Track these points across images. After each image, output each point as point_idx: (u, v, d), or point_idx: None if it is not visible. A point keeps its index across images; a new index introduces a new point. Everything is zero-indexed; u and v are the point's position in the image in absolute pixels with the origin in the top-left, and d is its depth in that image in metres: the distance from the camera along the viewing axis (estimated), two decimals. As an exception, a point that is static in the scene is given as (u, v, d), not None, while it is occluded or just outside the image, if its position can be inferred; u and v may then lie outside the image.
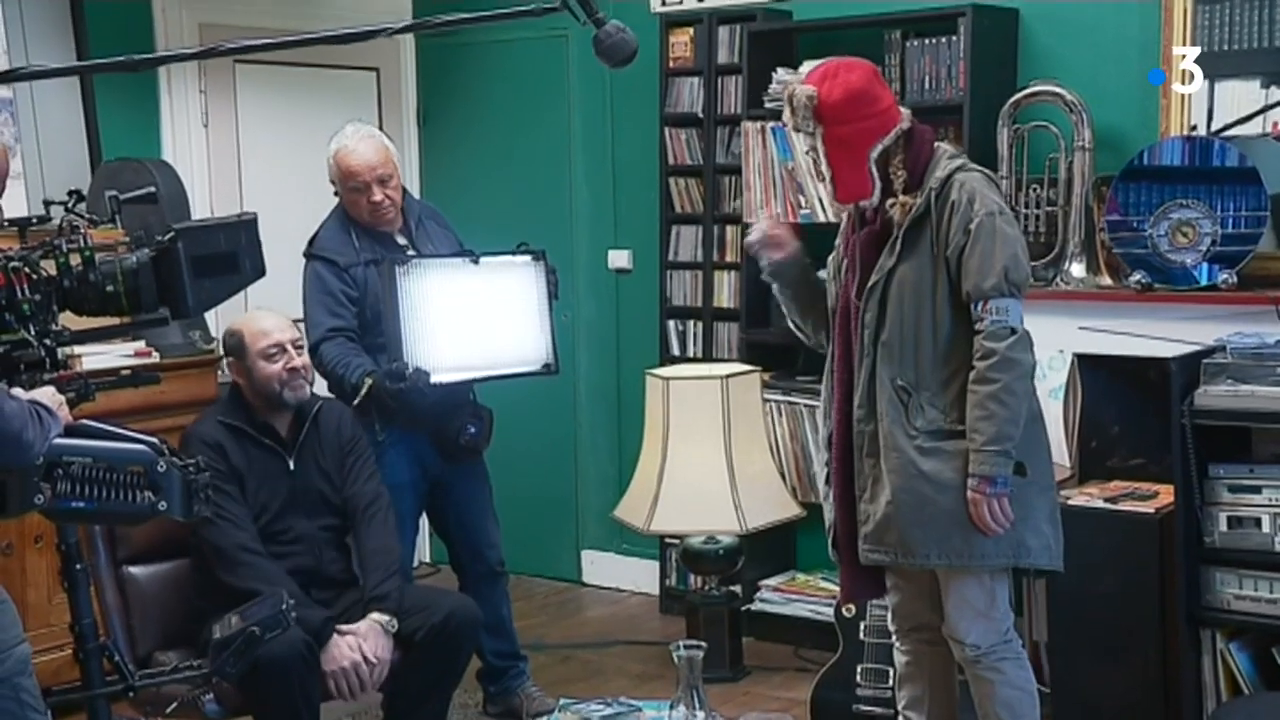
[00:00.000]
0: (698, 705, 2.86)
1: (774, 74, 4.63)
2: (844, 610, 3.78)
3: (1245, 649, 3.44)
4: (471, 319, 3.83)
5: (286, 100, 5.36)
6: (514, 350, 3.88)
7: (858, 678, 3.70)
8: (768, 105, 4.63)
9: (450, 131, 5.72)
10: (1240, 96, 3.98)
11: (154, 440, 2.53)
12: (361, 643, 3.30)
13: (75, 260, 2.55)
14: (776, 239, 3.23)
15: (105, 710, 2.68)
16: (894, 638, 3.28)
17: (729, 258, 4.90)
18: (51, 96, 4.63)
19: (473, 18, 2.13)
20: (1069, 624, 3.59)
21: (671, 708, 2.90)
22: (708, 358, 4.91)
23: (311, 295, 3.80)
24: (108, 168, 4.61)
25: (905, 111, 3.04)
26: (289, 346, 3.45)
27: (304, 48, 2.08)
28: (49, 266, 2.54)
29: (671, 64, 4.97)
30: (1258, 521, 3.38)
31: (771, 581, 4.75)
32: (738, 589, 4.58)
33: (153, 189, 3.02)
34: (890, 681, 3.65)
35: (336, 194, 3.89)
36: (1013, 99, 4.14)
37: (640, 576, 5.31)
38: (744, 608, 4.64)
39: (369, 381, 3.62)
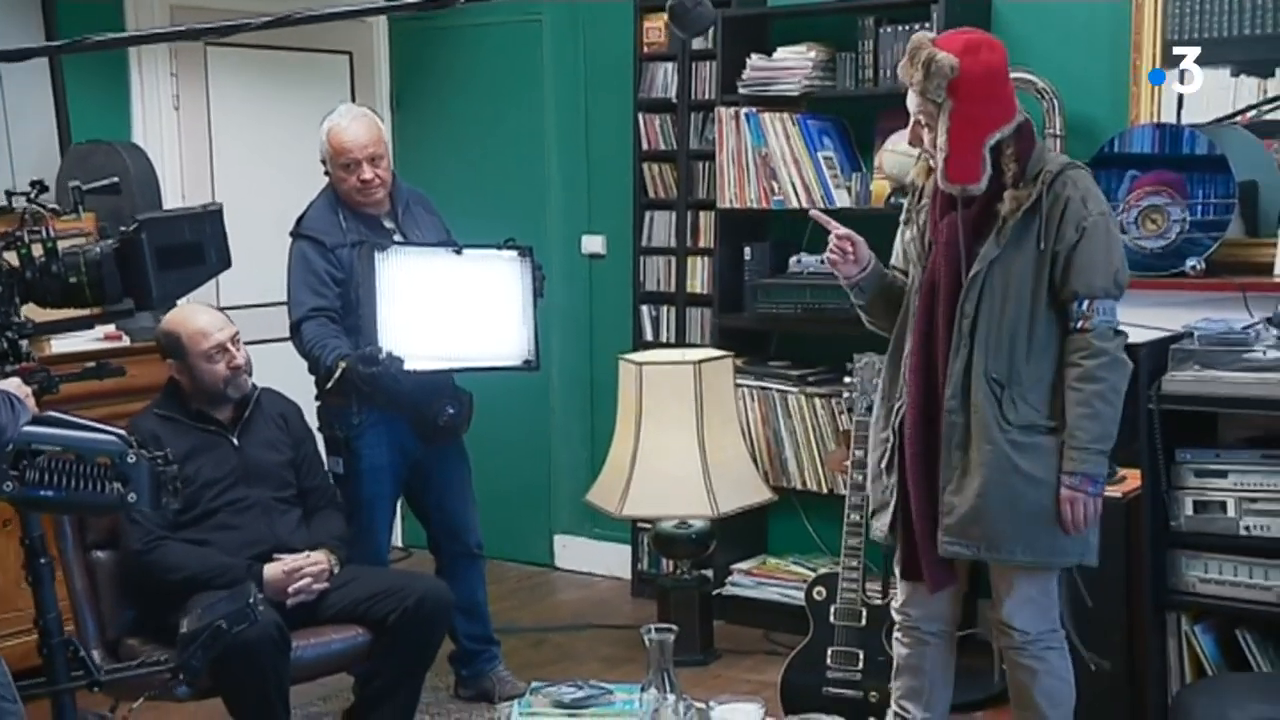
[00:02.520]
0: (669, 688, 2.87)
1: (748, 59, 4.63)
2: (814, 593, 3.79)
3: (1210, 631, 3.48)
4: (450, 309, 3.82)
5: (259, 83, 5.33)
6: (493, 344, 3.87)
7: (828, 660, 3.72)
8: (741, 91, 4.64)
9: (423, 116, 5.70)
10: (1210, 85, 4.01)
11: (122, 432, 2.53)
12: (289, 560, 3.39)
13: (38, 251, 2.53)
14: (848, 254, 3.09)
15: (70, 705, 2.68)
16: (898, 630, 3.25)
17: (702, 243, 4.90)
18: (20, 79, 4.58)
19: None
20: (1037, 607, 3.62)
21: (642, 690, 2.91)
22: (680, 343, 4.92)
23: (296, 274, 3.79)
24: (77, 150, 4.57)
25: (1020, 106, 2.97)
26: (229, 345, 3.47)
27: (286, 34, 2.06)
28: (11, 258, 2.53)
29: (646, 49, 4.97)
30: (1223, 505, 3.41)
31: (743, 565, 4.77)
32: (709, 573, 4.59)
33: (115, 179, 3.00)
34: (859, 665, 3.68)
35: (327, 173, 3.87)
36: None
37: (612, 560, 5.32)
38: (715, 591, 4.65)
39: (342, 365, 3.62)
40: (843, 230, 3.12)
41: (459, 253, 3.83)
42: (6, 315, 2.50)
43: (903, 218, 3.17)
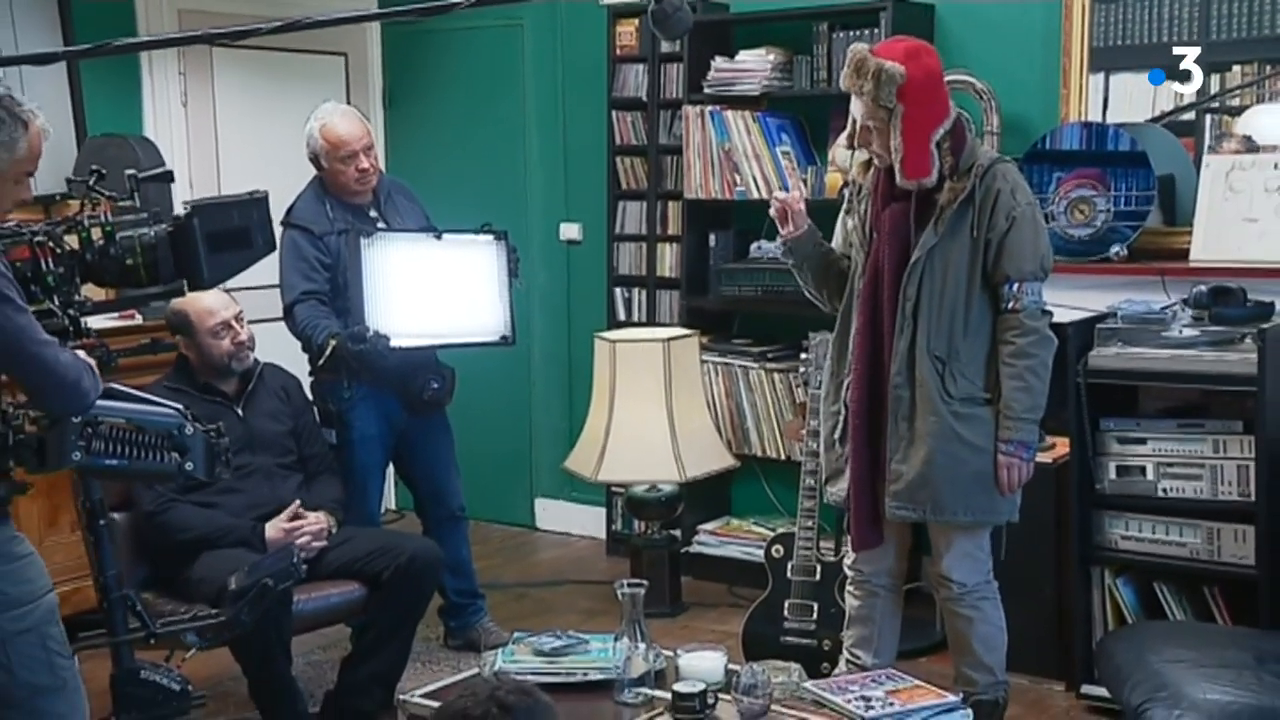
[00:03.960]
0: (640, 638, 2.89)
1: (712, 61, 4.63)
2: (773, 551, 3.81)
3: (1130, 583, 3.53)
4: (432, 290, 3.82)
5: (261, 82, 5.29)
6: (472, 321, 3.87)
7: (785, 612, 3.74)
8: (706, 90, 4.63)
9: (414, 113, 5.67)
10: (1133, 88, 4.03)
11: (179, 406, 2.53)
12: (286, 521, 3.39)
13: (96, 234, 2.49)
14: (791, 213, 3.14)
15: (129, 654, 2.66)
16: (851, 584, 3.30)
17: (671, 231, 4.90)
18: (39, 76, 4.53)
19: (450, 3, 2.07)
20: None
21: (616, 640, 2.94)
22: (651, 322, 4.92)
23: (287, 260, 3.77)
24: (93, 143, 4.53)
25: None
26: (233, 323, 3.46)
27: (289, 37, 2.05)
28: (72, 241, 2.49)
29: (618, 52, 4.95)
30: (1143, 470, 3.46)
31: (708, 526, 4.79)
32: (677, 533, 4.60)
33: (170, 169, 2.94)
34: (813, 616, 3.70)
35: (322, 167, 3.84)
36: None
37: (588, 522, 5.34)
38: (683, 550, 4.67)
39: (333, 343, 3.62)
40: (781, 195, 3.17)
41: (439, 238, 3.82)
42: (69, 294, 2.45)
43: (844, 208, 3.19)
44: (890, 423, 3.01)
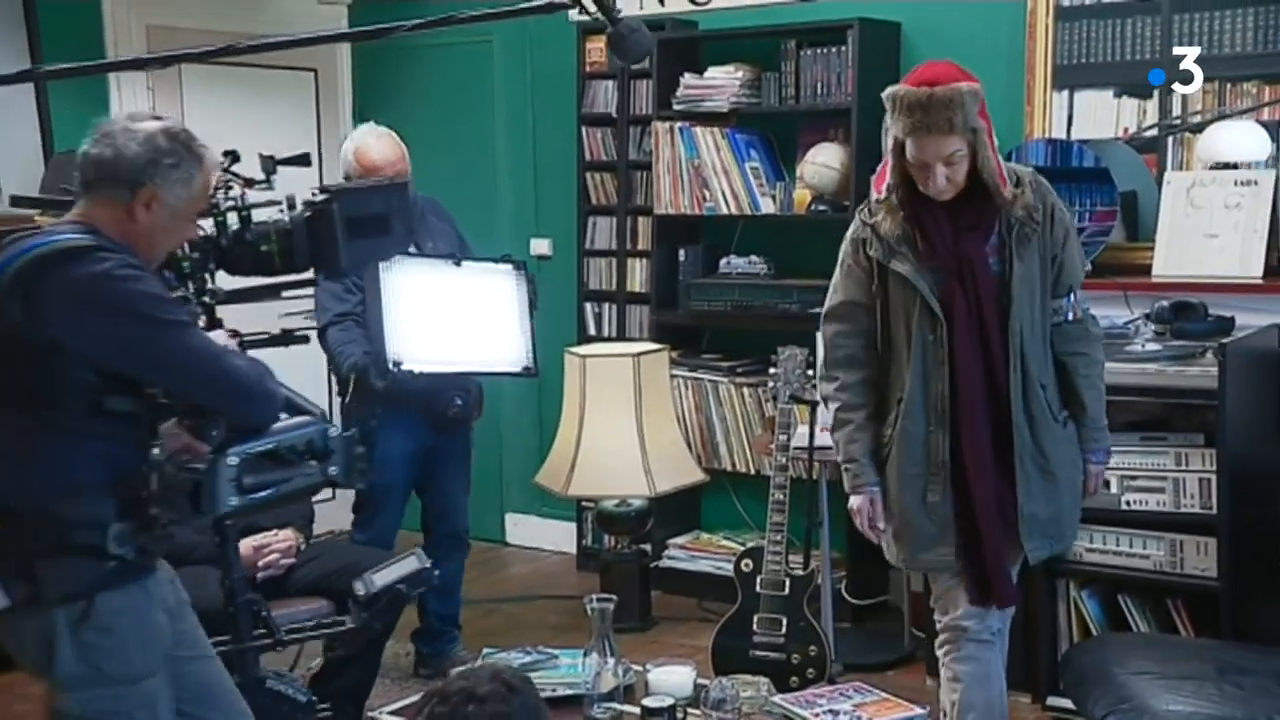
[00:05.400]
0: (609, 653, 2.90)
1: (681, 78, 4.65)
2: (742, 565, 3.82)
3: (1095, 596, 3.55)
4: (452, 316, 3.74)
5: (230, 98, 5.28)
6: (493, 350, 3.77)
7: (754, 626, 3.75)
8: (676, 107, 4.66)
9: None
10: (1096, 105, 4.08)
11: (321, 409, 2.42)
12: (257, 537, 3.35)
13: (233, 219, 2.39)
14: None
15: (255, 662, 2.58)
16: (955, 645, 2.88)
17: (641, 246, 4.92)
18: (6, 92, 4.52)
19: (481, 15, 2.08)
20: (942, 576, 3.68)
21: (585, 655, 2.94)
22: (621, 337, 4.94)
23: (321, 282, 3.73)
24: (60, 159, 4.51)
25: None
26: None
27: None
28: (206, 225, 2.39)
29: (588, 68, 4.98)
30: (1107, 483, 3.47)
31: (678, 540, 4.80)
32: (647, 547, 4.61)
33: (306, 151, 2.80)
34: (782, 630, 3.70)
35: None
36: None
37: (559, 537, 5.33)
38: (653, 564, 4.68)
39: (353, 377, 3.55)
40: (870, 533, 2.92)
41: (458, 264, 3.76)
42: (202, 282, 2.38)
43: (872, 252, 2.83)
44: (1017, 465, 2.76)
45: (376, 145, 3.78)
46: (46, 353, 2.11)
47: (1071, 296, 2.83)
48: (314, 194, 2.44)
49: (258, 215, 2.43)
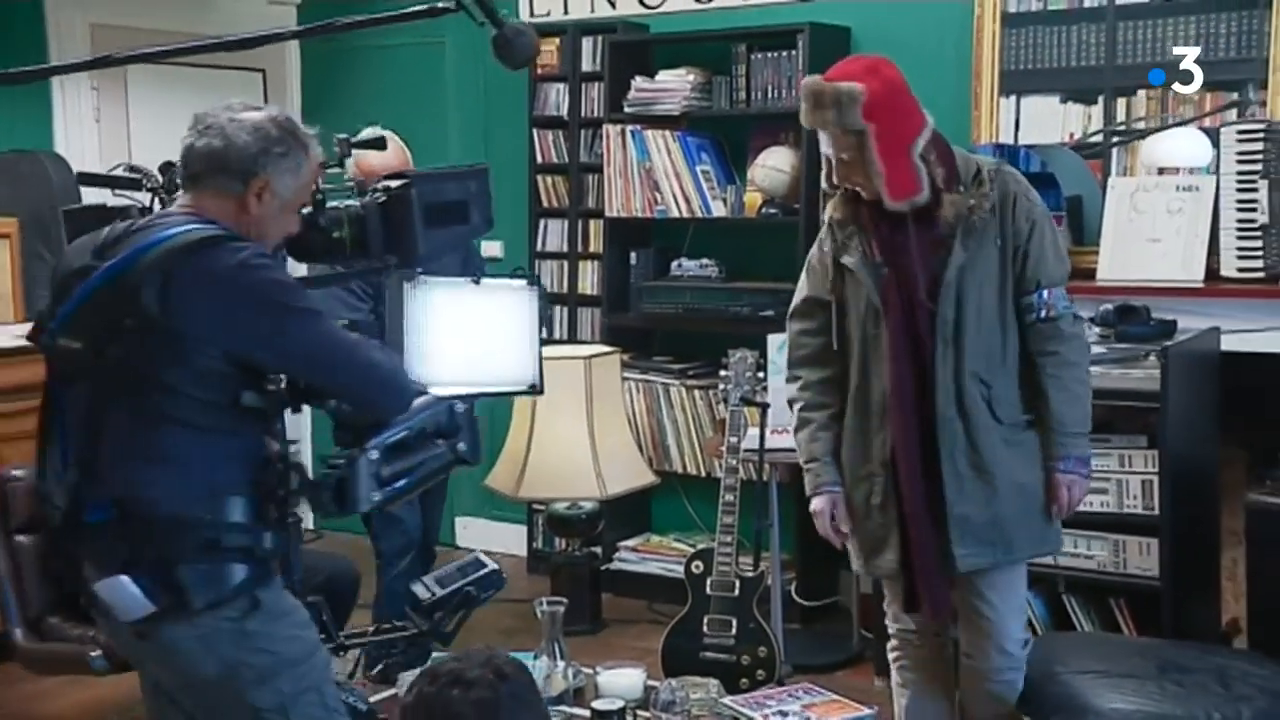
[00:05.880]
0: (559, 656, 2.90)
1: (633, 81, 4.66)
2: (693, 567, 3.83)
3: (1040, 595, 3.59)
4: (468, 337, 3.68)
5: (176, 97, 5.21)
6: (503, 369, 3.71)
7: (704, 628, 3.76)
8: (627, 110, 4.67)
9: (333, 130, 5.58)
10: (1042, 110, 4.14)
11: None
12: None
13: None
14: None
15: None
16: (899, 649, 2.93)
17: (592, 248, 4.92)
18: (-55, 90, 4.45)
19: (369, 20, 2.05)
20: (890, 577, 3.70)
21: (535, 658, 2.93)
22: (572, 340, 4.93)
23: (330, 289, 3.68)
24: (3, 159, 4.45)
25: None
26: None
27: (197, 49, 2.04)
28: None
29: (540, 70, 4.97)
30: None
31: (629, 543, 4.80)
32: (598, 550, 4.62)
33: (382, 134, 2.67)
34: (732, 631, 3.72)
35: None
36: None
37: (509, 539, 5.32)
38: (603, 567, 4.68)
39: None
40: (833, 536, 2.85)
41: (477, 283, 3.69)
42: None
43: (826, 248, 2.80)
44: (945, 462, 2.67)
45: (376, 152, 3.72)
46: (185, 346, 2.04)
47: (1044, 293, 2.69)
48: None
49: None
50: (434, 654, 2.97)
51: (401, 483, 2.22)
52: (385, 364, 2.20)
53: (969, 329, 2.67)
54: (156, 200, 2.42)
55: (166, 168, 2.41)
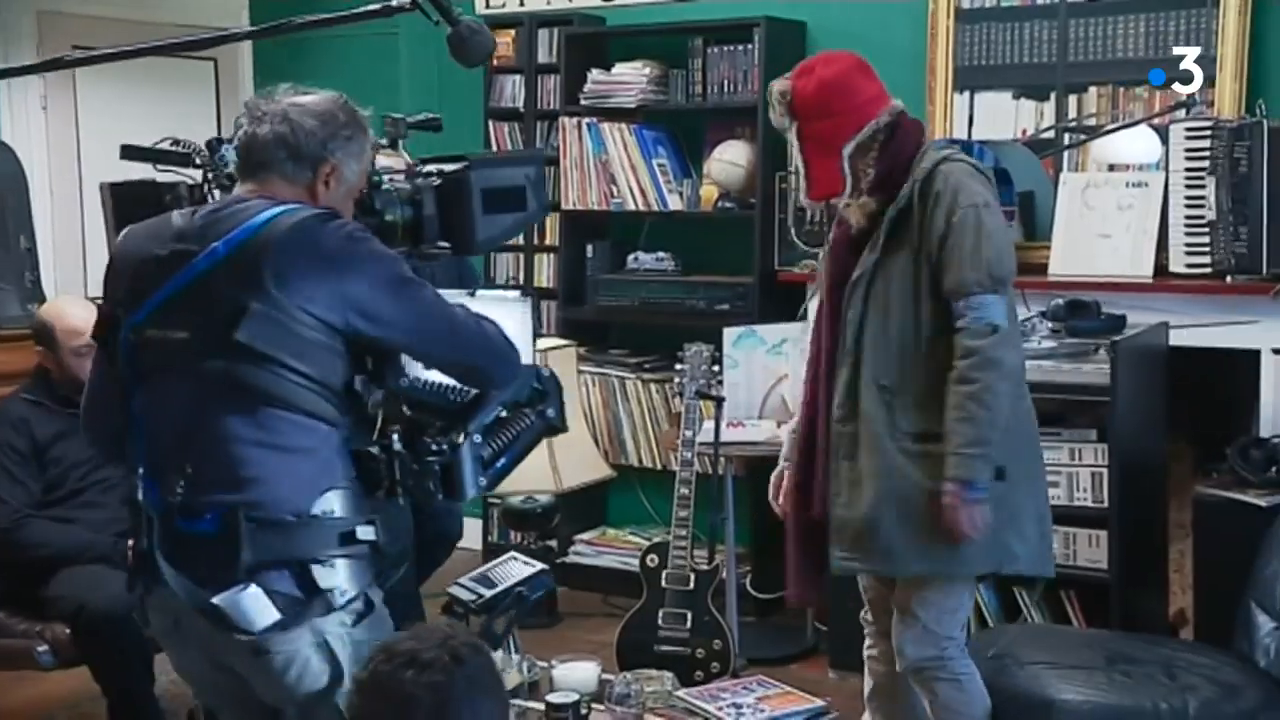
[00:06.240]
0: (514, 650, 2.89)
1: (589, 74, 4.66)
2: (648, 560, 3.84)
3: (991, 589, 3.63)
4: None
5: (126, 85, 5.16)
6: None
7: (659, 621, 3.77)
8: (583, 102, 4.66)
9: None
10: (995, 107, 4.17)
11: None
12: None
13: None
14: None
15: None
16: (869, 642, 2.91)
17: (548, 241, 4.91)
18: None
19: (322, 19, 2.04)
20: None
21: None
22: (528, 333, 4.91)
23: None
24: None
25: (894, 105, 2.66)
26: None
27: (148, 35, 2.00)
28: None
29: (495, 62, 4.95)
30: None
31: (584, 536, 4.80)
32: (554, 543, 4.61)
33: (437, 116, 2.55)
34: (687, 624, 3.73)
35: None
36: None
37: (465, 533, 5.29)
38: (559, 560, 4.67)
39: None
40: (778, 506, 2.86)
41: (472, 295, 3.65)
42: None
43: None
44: (831, 462, 2.65)
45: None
46: (303, 327, 1.94)
47: (959, 302, 2.53)
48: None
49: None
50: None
51: (502, 462, 2.11)
52: (495, 334, 2.11)
53: (872, 334, 2.60)
54: (208, 177, 2.31)
55: (216, 144, 2.32)
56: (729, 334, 4.17)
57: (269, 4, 5.13)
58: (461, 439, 2.06)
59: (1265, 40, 3.81)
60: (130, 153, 2.45)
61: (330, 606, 1.97)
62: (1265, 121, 3.57)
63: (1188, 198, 3.71)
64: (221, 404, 1.95)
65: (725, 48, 4.45)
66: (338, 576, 1.97)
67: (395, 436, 2.02)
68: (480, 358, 2.10)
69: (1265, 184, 3.54)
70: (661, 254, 4.65)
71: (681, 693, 2.94)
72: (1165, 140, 3.78)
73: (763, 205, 4.34)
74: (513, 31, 4.91)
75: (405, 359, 2.07)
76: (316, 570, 1.95)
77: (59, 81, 4.98)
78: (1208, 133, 3.64)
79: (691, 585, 3.75)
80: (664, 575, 3.78)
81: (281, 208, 2.01)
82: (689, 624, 3.73)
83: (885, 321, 2.60)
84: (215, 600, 1.91)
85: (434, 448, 2.05)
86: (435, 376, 2.10)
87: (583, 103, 4.66)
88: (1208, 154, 3.64)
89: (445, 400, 2.09)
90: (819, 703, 2.86)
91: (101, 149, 5.08)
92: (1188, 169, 3.70)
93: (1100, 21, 3.99)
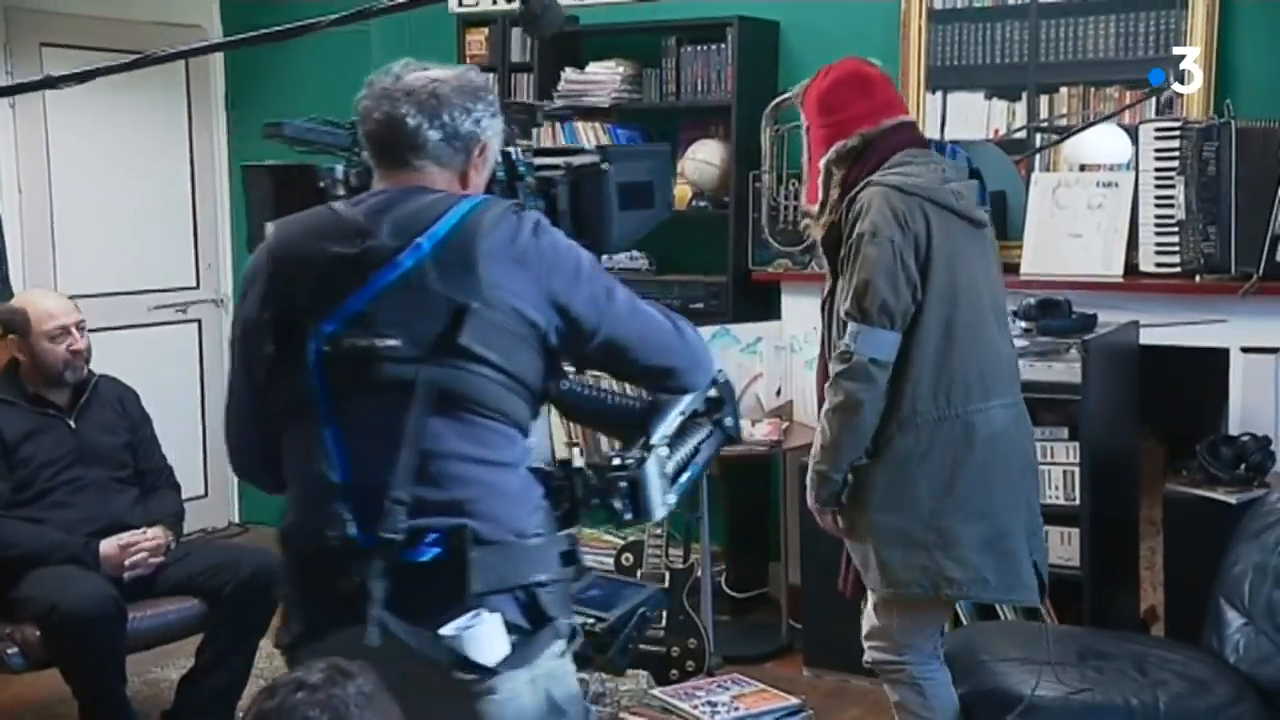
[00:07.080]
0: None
1: (563, 73, 4.65)
2: (623, 559, 3.84)
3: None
4: None
5: (96, 82, 5.11)
6: None
7: (634, 620, 3.77)
8: (557, 101, 4.65)
9: (257, 115, 5.51)
10: (967, 106, 4.20)
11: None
12: (125, 536, 3.27)
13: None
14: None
15: None
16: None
17: (521, 240, 4.90)
18: None
19: (292, 28, 1.91)
20: (817, 568, 3.73)
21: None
22: (501, 332, 4.91)
23: None
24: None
25: (882, 125, 2.62)
26: (73, 329, 3.37)
27: (123, 38, 1.97)
28: None
29: (468, 60, 4.94)
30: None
31: (559, 535, 4.79)
32: (528, 543, 4.60)
33: (538, 103, 2.40)
34: (661, 623, 3.73)
35: None
36: (774, 101, 4.24)
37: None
38: (533, 560, 4.66)
39: None
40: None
41: None
42: None
43: None
44: None
45: None
46: (513, 329, 1.76)
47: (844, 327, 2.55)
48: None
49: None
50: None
51: (685, 476, 1.92)
52: (692, 333, 1.93)
53: (830, 351, 2.63)
54: (346, 159, 2.15)
55: (352, 126, 2.13)
56: (703, 333, 4.16)
57: (239, 7, 5.11)
58: (648, 453, 1.86)
59: (1233, 42, 3.85)
60: (274, 130, 2.24)
61: (557, 636, 1.78)
62: (1233, 122, 3.61)
63: (1157, 198, 3.74)
64: (436, 417, 1.74)
65: (699, 47, 4.46)
66: (560, 603, 1.79)
67: (576, 451, 1.91)
68: (679, 359, 1.91)
69: (1233, 184, 3.58)
70: (635, 253, 4.65)
71: (657, 691, 2.96)
72: (1135, 140, 3.81)
73: (736, 204, 4.35)
74: (486, 30, 4.90)
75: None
76: (542, 596, 1.76)
77: (26, 79, 4.94)
78: (1177, 133, 3.68)
79: (666, 584, 3.75)
80: (639, 574, 3.78)
81: (471, 200, 1.81)
82: (664, 623, 3.73)
83: (833, 344, 2.63)
84: (445, 631, 1.68)
85: (616, 462, 1.85)
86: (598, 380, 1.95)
87: (557, 101, 4.66)
88: (1177, 154, 3.68)
89: (604, 405, 1.97)
90: (794, 700, 2.89)
91: (72, 146, 5.06)
92: (1157, 169, 3.74)
93: (1071, 22, 4.02)
